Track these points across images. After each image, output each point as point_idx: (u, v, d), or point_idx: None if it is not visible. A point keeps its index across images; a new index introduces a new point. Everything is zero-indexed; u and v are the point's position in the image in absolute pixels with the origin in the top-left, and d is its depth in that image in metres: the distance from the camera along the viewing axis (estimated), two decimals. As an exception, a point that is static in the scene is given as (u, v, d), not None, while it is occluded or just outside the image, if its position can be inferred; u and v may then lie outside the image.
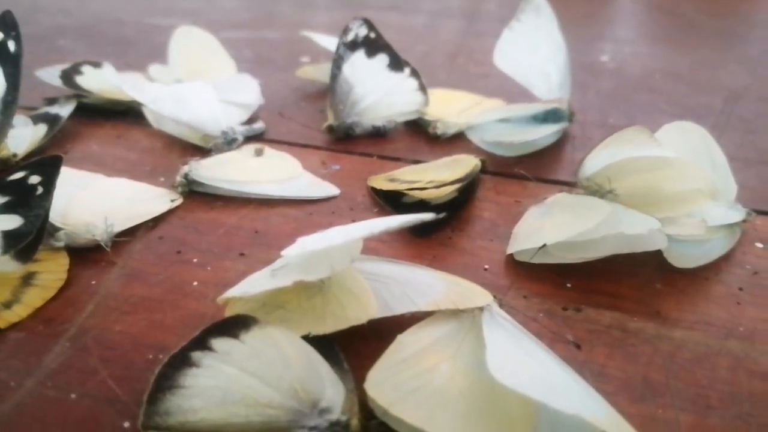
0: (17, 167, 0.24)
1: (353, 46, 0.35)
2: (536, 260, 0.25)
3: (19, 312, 0.22)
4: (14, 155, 0.30)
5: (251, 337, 0.19)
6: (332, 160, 0.32)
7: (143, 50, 0.45)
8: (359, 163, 0.32)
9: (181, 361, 0.18)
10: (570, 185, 0.30)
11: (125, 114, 0.35)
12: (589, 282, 0.24)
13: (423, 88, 0.35)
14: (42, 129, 0.32)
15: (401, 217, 0.20)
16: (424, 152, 0.34)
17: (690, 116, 0.37)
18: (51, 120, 0.33)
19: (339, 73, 0.34)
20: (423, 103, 0.35)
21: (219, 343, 0.19)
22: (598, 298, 0.24)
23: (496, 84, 0.40)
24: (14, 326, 0.21)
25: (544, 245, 0.24)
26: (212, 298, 0.23)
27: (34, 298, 0.22)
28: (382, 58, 0.35)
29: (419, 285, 0.22)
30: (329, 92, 0.34)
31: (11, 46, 0.30)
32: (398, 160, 0.33)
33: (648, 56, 0.49)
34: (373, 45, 0.35)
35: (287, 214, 0.28)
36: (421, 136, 0.35)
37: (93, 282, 0.23)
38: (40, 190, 0.23)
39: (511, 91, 0.37)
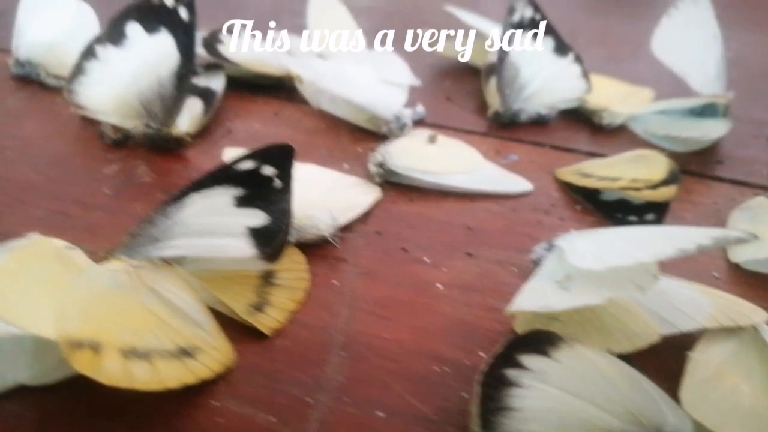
0: (240, 163, 0.22)
1: (520, 27, 0.33)
2: (759, 268, 0.25)
3: (277, 317, 0.20)
4: (188, 134, 0.28)
5: (563, 356, 0.18)
6: (505, 149, 0.31)
7: (253, 12, 0.43)
8: (534, 153, 0.31)
9: (498, 380, 0.18)
10: (751, 186, 0.30)
11: (274, 89, 0.33)
12: (820, 292, 0.24)
13: (586, 75, 0.34)
14: (197, 104, 0.30)
15: (712, 232, 0.19)
16: (586, 142, 0.33)
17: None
18: (204, 94, 0.31)
19: (506, 57, 0.32)
20: (586, 90, 0.34)
21: (531, 361, 0.18)
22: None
23: (628, 67, 0.40)
24: (277, 333, 0.20)
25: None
26: (463, 302, 0.22)
27: (283, 300, 0.21)
28: (548, 42, 0.34)
29: (686, 300, 0.21)
30: (495, 75, 0.33)
31: (183, 13, 0.28)
32: (572, 151, 0.32)
33: (757, 45, 0.48)
34: (539, 27, 0.33)
35: (489, 209, 0.27)
36: (580, 124, 0.34)
37: (334, 281, 0.22)
38: (277, 182, 0.22)
39: (647, 77, 0.36)
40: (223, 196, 0.22)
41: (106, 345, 0.18)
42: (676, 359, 0.20)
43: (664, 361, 0.20)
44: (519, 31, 0.33)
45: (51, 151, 0.28)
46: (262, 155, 0.22)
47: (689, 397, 0.18)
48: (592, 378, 0.18)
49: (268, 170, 0.22)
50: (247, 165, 0.22)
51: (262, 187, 0.22)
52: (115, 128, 0.28)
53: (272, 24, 0.40)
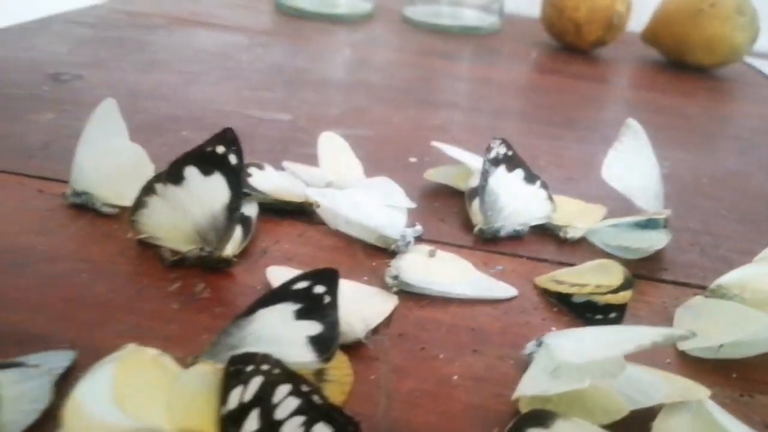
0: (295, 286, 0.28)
1: (496, 162, 0.41)
2: (702, 354, 0.31)
3: (333, 405, 0.26)
4: (234, 255, 0.34)
5: (558, 427, 0.24)
6: (491, 261, 0.38)
7: (264, 146, 0.50)
8: (514, 263, 0.38)
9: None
10: (690, 286, 0.37)
11: (295, 213, 0.40)
12: (750, 373, 0.31)
13: (551, 198, 0.42)
14: (238, 230, 0.36)
15: (663, 330, 0.26)
16: (555, 253, 0.40)
17: (751, 223, 0.45)
18: (242, 221, 0.37)
19: (486, 185, 0.40)
20: (552, 210, 0.41)
21: (534, 433, 0.24)
22: (763, 387, 0.30)
23: (582, 187, 0.48)
24: (333, 418, 0.25)
25: (722, 345, 0.31)
26: (475, 391, 0.28)
27: (335, 393, 0.26)
28: (519, 173, 0.41)
29: (647, 382, 0.27)
30: (478, 200, 0.40)
31: (232, 159, 0.34)
32: (545, 261, 0.39)
33: (688, 162, 0.57)
34: (511, 161, 0.41)
35: (487, 312, 0.33)
36: (548, 238, 0.41)
37: (371, 377, 0.28)
38: (327, 299, 0.28)
39: (598, 195, 0.44)
40: (285, 311, 0.27)
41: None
42: (642, 429, 0.26)
43: (633, 430, 0.25)
44: (496, 166, 0.41)
45: (120, 272, 0.33)
46: (313, 276, 0.28)
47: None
48: (583, 444, 0.24)
49: (319, 289, 0.28)
50: (302, 285, 0.28)
51: (315, 302, 0.28)
52: (173, 251, 0.34)
53: (285, 155, 0.47)
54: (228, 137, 0.35)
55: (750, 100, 0.83)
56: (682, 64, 0.89)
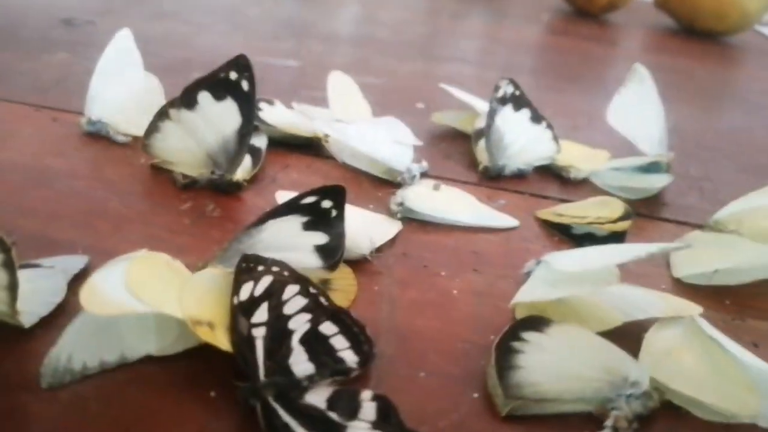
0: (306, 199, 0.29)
1: (503, 101, 0.41)
2: (696, 281, 0.32)
3: (337, 309, 0.27)
4: (245, 180, 0.35)
5: (553, 331, 0.25)
6: (494, 195, 0.39)
7: (273, 88, 0.50)
8: (516, 199, 0.39)
9: (508, 348, 0.24)
10: (689, 225, 0.38)
11: (305, 147, 0.41)
12: (741, 300, 0.32)
13: (556, 139, 0.42)
14: (247, 158, 0.37)
15: (658, 244, 0.27)
16: (557, 191, 0.41)
17: (752, 174, 0.45)
18: (252, 151, 0.38)
19: (493, 123, 0.41)
20: (556, 151, 0.42)
21: (530, 336, 0.25)
22: (754, 312, 0.31)
23: (586, 135, 0.48)
24: (338, 321, 0.26)
25: (716, 270, 0.31)
26: (475, 303, 0.29)
27: (339, 300, 0.27)
28: (525, 112, 0.42)
29: (642, 299, 0.28)
30: (484, 138, 0.41)
31: (245, 85, 0.35)
32: (547, 198, 0.40)
33: (690, 117, 0.58)
34: (518, 101, 0.42)
35: (489, 239, 0.34)
36: (552, 177, 0.42)
37: (375, 287, 0.29)
38: (333, 213, 0.29)
39: (602, 143, 0.45)
40: (294, 222, 0.28)
41: (217, 325, 0.24)
42: (635, 340, 0.26)
43: (625, 341, 0.26)
44: (503, 105, 0.41)
45: (133, 191, 0.34)
46: (321, 192, 0.29)
47: (647, 361, 0.25)
48: (576, 344, 0.25)
49: (326, 203, 0.29)
50: (310, 199, 0.29)
51: (323, 215, 0.29)
52: (185, 175, 0.35)
53: (294, 97, 0.47)
54: (241, 63, 0.35)
55: (759, 65, 0.83)
56: (693, 31, 0.89)
